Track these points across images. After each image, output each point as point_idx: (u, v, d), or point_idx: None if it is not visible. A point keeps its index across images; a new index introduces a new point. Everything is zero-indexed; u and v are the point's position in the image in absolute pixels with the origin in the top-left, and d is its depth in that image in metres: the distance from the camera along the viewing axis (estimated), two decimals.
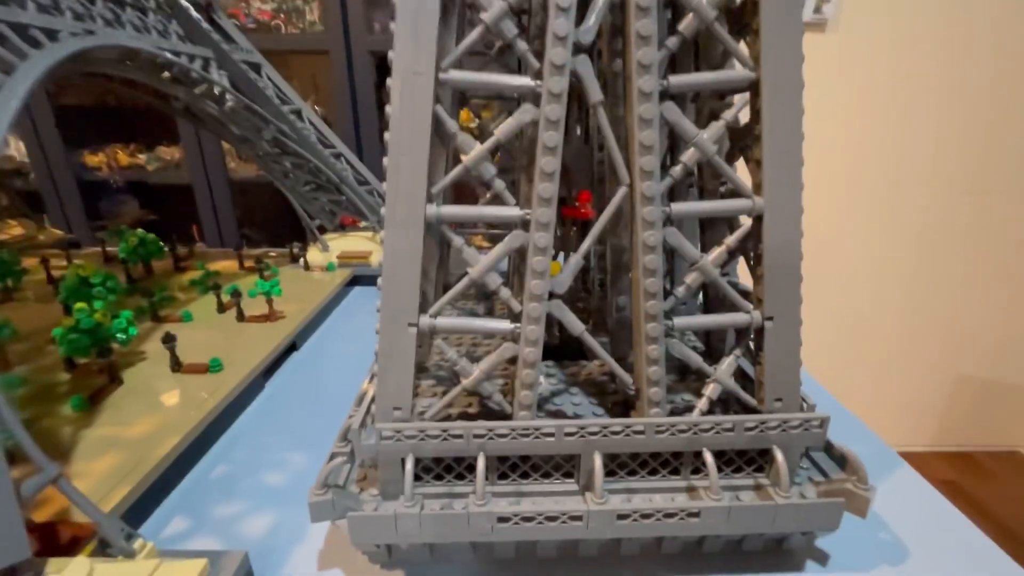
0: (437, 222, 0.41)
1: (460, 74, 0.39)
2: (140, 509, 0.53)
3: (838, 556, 0.48)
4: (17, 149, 1.99)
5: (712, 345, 0.58)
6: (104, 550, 0.42)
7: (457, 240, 0.42)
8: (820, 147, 1.78)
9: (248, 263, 1.20)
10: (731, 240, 0.43)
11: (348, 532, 0.42)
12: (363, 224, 1.29)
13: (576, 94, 0.41)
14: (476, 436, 0.43)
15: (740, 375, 0.50)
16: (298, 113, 1.11)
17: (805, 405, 0.46)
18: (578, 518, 0.42)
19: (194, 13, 0.88)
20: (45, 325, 0.86)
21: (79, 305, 0.69)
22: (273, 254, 1.28)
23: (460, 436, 0.43)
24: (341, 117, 1.72)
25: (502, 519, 0.42)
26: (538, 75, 0.39)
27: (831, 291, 1.99)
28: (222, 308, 0.94)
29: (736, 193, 0.42)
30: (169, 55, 0.78)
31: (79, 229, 1.88)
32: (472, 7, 0.39)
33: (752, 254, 0.44)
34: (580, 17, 0.38)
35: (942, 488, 0.57)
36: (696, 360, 0.45)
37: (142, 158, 2.03)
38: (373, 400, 0.46)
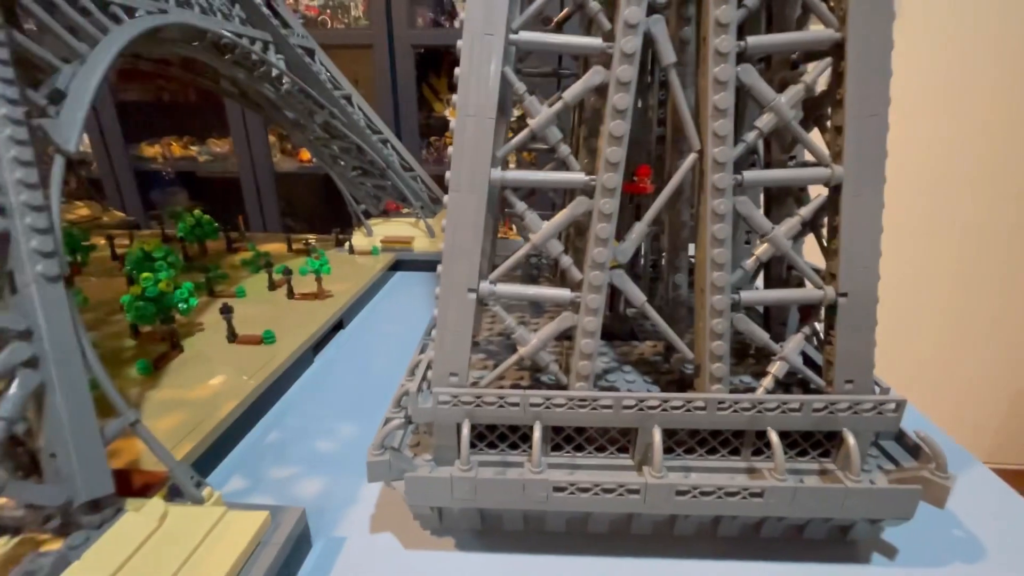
0: (501, 186, 0.41)
1: (530, 35, 0.39)
2: (201, 467, 0.54)
3: (907, 551, 0.46)
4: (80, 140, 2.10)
5: (771, 328, 0.56)
6: (172, 499, 0.43)
7: (520, 205, 0.42)
8: None
9: (296, 246, 1.23)
10: (805, 211, 0.41)
11: (404, 493, 0.42)
12: (406, 210, 1.31)
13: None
14: (533, 404, 0.42)
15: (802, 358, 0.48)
16: (348, 99, 1.13)
17: (879, 388, 0.43)
18: (635, 491, 0.41)
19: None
20: (110, 297, 0.91)
21: (146, 274, 0.73)
22: (313, 239, 1.30)
23: (517, 404, 0.42)
24: (383, 109, 1.75)
25: (558, 488, 0.41)
26: (608, 37, 0.38)
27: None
28: (273, 286, 0.97)
29: (808, 165, 0.40)
30: (232, 36, 0.81)
31: (134, 215, 1.97)
32: None
33: (827, 227, 0.42)
34: None
35: None
36: (762, 336, 0.43)
37: (195, 150, 2.12)
38: (429, 367, 0.46)
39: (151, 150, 2.13)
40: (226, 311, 0.76)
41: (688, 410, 0.42)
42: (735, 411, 0.42)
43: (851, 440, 0.41)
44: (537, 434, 0.42)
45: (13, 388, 0.32)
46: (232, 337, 0.76)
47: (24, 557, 0.33)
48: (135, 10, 0.61)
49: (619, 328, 0.60)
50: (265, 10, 0.93)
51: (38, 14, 0.49)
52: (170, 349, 0.72)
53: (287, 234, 1.28)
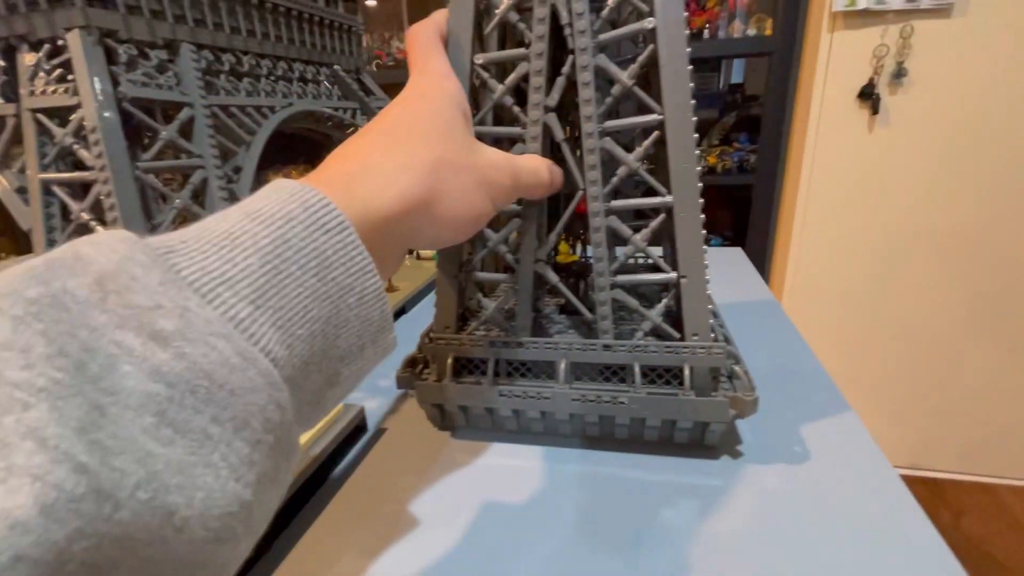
0: None
1: (483, 128, 0.67)
2: None
3: (750, 455, 0.67)
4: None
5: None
6: None
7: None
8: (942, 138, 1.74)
9: None
10: (654, 224, 0.65)
11: (416, 395, 0.72)
12: None
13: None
14: (491, 345, 0.70)
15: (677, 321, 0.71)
16: None
17: (717, 339, 0.65)
18: (548, 397, 0.67)
19: (349, 79, 1.27)
20: None
21: None
22: None
23: (481, 345, 0.70)
24: None
25: (502, 394, 0.68)
26: (525, 126, 0.65)
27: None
28: None
29: (656, 193, 0.64)
30: (332, 112, 1.17)
31: None
32: (483, 85, 0.67)
33: (673, 235, 0.65)
34: (549, 88, 0.64)
35: None
36: (634, 304, 0.67)
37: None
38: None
39: (278, 178, 2.68)
40: None
41: (584, 350, 0.67)
42: (615, 351, 0.66)
43: (687, 371, 0.64)
44: (491, 364, 0.70)
45: None
46: None
47: None
48: (275, 108, 0.99)
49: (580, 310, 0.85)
50: (355, 85, 1.30)
51: (226, 121, 0.86)
52: None
53: None
